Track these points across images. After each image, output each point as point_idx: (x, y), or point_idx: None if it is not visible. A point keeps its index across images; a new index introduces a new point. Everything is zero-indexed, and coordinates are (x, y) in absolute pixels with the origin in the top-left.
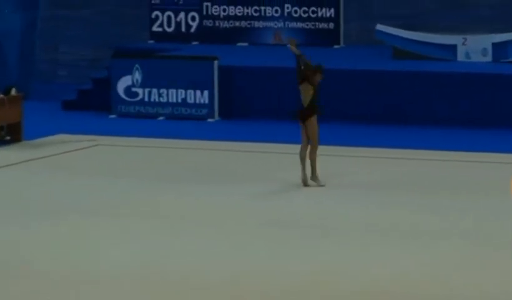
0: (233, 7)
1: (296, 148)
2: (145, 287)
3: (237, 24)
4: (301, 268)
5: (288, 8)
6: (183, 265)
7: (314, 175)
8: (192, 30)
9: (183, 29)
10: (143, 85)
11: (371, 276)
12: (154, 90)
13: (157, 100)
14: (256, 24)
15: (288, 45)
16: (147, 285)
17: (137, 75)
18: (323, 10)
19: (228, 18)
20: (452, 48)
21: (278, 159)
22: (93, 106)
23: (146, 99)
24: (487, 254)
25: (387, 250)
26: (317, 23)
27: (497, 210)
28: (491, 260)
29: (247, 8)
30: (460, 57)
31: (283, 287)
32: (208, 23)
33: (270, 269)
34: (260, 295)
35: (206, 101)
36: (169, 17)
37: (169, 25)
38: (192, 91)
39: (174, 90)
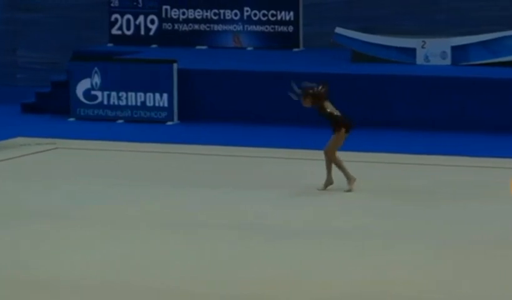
0: (192, 10)
1: (256, 150)
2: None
3: (196, 27)
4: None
5: (247, 11)
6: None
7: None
8: (151, 33)
9: (142, 32)
10: (102, 88)
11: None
12: (113, 94)
13: (116, 103)
14: (216, 27)
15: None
16: (107, 292)
17: (96, 79)
18: (283, 13)
19: (187, 21)
20: (412, 51)
21: (238, 161)
22: (53, 109)
23: (105, 102)
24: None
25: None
26: (276, 26)
27: (459, 213)
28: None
29: (206, 11)
30: (419, 60)
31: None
32: (167, 26)
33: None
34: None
35: (166, 104)
36: (128, 20)
37: (128, 29)
38: (151, 94)
39: (133, 94)
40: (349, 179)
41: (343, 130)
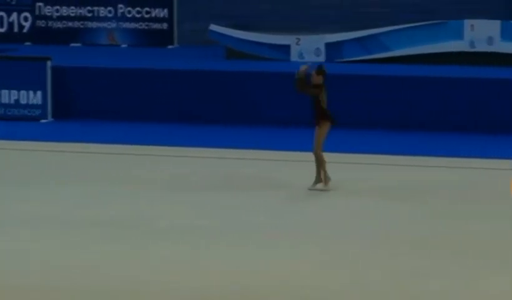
0: (66, 7)
1: (131, 148)
2: None
3: (70, 24)
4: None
5: (121, 8)
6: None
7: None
8: (25, 30)
9: (15, 30)
10: None
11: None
12: None
13: None
14: (90, 24)
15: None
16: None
17: None
18: (157, 10)
19: (61, 18)
20: (286, 48)
21: (113, 159)
22: None
23: None
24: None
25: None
26: (151, 23)
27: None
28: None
29: (80, 8)
30: (293, 57)
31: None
32: (41, 23)
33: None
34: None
35: (40, 102)
36: (1, 18)
37: (1, 26)
38: (25, 92)
39: (7, 91)
40: (326, 179)
41: (329, 123)
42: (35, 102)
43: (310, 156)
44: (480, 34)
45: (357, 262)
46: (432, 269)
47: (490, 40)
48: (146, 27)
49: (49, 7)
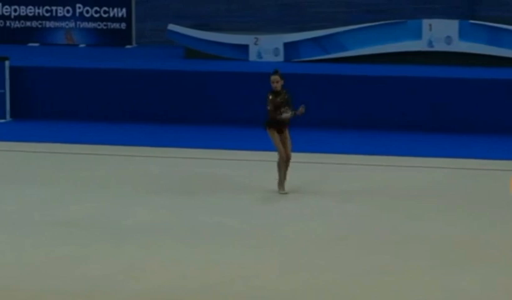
0: (24, 7)
1: (88, 147)
2: None
3: (28, 24)
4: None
5: (79, 8)
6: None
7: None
8: None
9: None
10: None
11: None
12: None
13: None
14: (48, 24)
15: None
16: None
17: None
18: (115, 10)
19: (19, 18)
20: (244, 48)
21: (73, 158)
22: None
23: None
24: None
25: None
26: (109, 23)
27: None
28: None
29: (38, 8)
30: (252, 56)
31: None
32: None
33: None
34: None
35: None
36: None
37: None
38: None
39: None
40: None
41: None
42: None
43: (266, 155)
44: (438, 33)
45: (315, 263)
46: (392, 268)
47: (448, 40)
48: (104, 27)
49: (7, 6)
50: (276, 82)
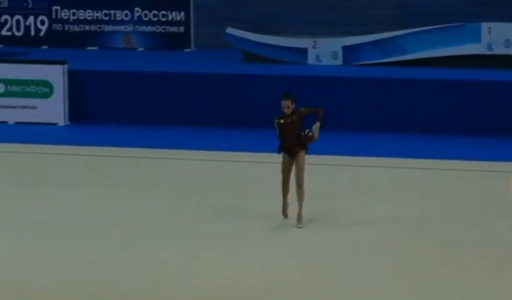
0: (82, 10)
1: (148, 151)
2: None
3: (87, 27)
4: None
5: (138, 12)
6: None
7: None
8: (42, 34)
9: (32, 33)
10: None
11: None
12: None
13: (7, 104)
14: (106, 27)
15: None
16: None
17: None
18: (173, 13)
19: (77, 22)
20: (303, 51)
21: (131, 162)
22: None
23: None
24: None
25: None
26: (167, 27)
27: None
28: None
29: (97, 12)
30: (310, 60)
31: None
32: (57, 27)
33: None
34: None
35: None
36: (18, 21)
37: (18, 29)
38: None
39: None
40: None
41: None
42: None
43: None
44: (497, 36)
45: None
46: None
47: (507, 43)
48: (163, 31)
49: (65, 10)
50: (287, 108)
